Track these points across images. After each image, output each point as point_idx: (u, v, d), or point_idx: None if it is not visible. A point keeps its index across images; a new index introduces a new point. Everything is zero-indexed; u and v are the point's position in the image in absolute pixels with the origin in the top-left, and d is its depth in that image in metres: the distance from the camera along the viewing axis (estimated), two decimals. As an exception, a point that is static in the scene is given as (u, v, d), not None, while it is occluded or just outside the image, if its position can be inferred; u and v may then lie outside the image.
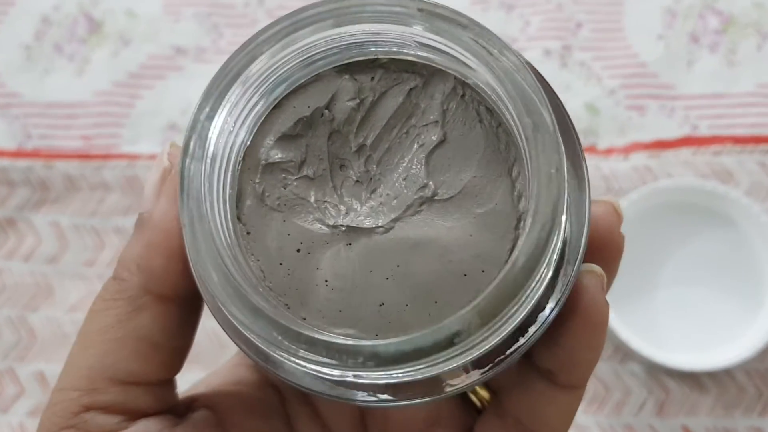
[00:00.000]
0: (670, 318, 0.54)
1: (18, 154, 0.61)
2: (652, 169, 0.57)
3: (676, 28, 0.62)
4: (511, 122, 0.25)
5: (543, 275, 0.23)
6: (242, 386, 0.31)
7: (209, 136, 0.25)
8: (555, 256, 0.24)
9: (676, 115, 0.59)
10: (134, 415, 0.27)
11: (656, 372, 0.54)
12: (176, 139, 0.62)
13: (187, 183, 0.24)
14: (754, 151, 0.57)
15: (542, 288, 0.24)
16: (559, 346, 0.26)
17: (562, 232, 0.24)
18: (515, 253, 0.23)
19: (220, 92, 0.25)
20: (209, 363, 0.52)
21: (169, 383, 0.29)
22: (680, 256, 0.55)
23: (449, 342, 0.22)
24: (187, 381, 0.32)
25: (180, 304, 0.27)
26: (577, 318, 0.26)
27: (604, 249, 0.27)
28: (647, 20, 0.62)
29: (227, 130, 0.25)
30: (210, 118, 0.25)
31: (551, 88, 0.26)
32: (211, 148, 0.25)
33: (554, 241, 0.23)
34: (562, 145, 0.24)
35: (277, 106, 0.27)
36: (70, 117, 0.63)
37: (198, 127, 0.25)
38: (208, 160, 0.24)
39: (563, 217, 0.24)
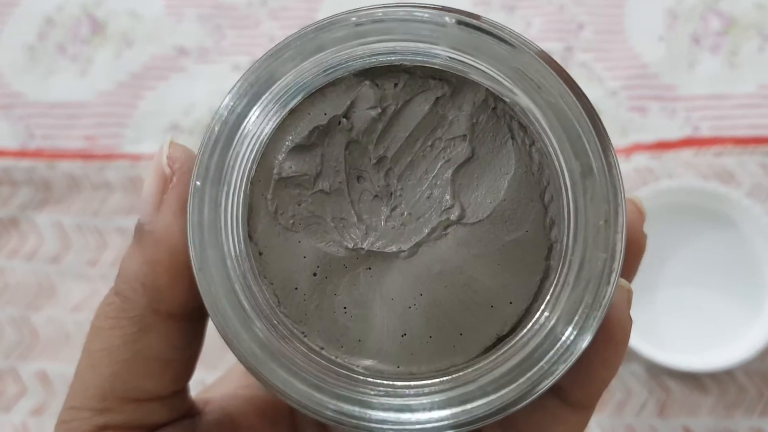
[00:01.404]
0: (672, 318, 0.54)
1: (21, 153, 0.62)
2: (654, 170, 0.57)
3: (677, 30, 0.62)
4: (552, 153, 0.24)
5: (581, 322, 0.22)
6: (253, 390, 0.31)
7: (228, 156, 0.23)
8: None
9: (677, 116, 0.60)
10: (151, 429, 0.27)
11: (657, 372, 0.54)
12: (178, 138, 0.62)
13: (200, 214, 0.23)
14: (756, 153, 0.57)
15: (578, 335, 0.22)
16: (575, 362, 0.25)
17: (610, 290, 0.22)
18: (556, 310, 0.22)
19: (240, 114, 0.23)
20: (213, 362, 0.52)
21: (182, 391, 0.28)
22: (681, 256, 0.55)
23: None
24: (193, 381, 0.32)
25: (187, 317, 0.26)
26: (598, 334, 0.24)
27: (626, 250, 0.26)
28: (649, 22, 0.62)
29: (244, 147, 0.24)
30: (229, 138, 0.23)
31: (598, 120, 0.23)
32: (229, 170, 0.23)
33: (598, 294, 0.22)
34: (611, 192, 0.22)
35: (292, 113, 0.25)
36: (73, 117, 0.63)
37: (215, 148, 0.23)
38: (225, 185, 0.23)
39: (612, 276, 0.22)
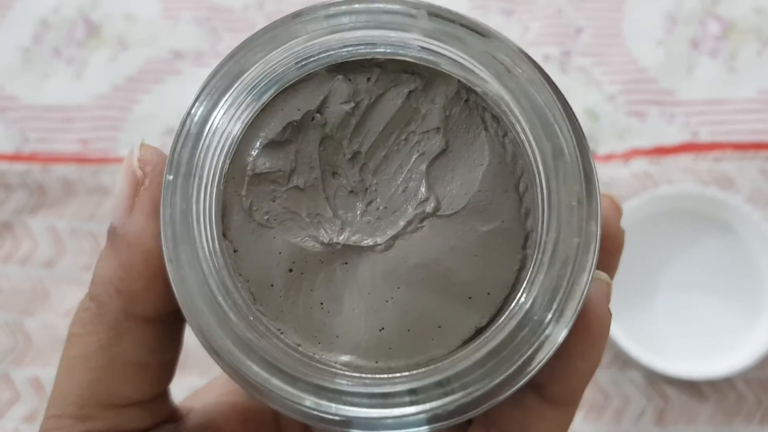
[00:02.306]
0: (670, 326, 0.54)
1: (15, 157, 0.61)
2: (652, 175, 0.57)
3: (676, 34, 0.62)
4: (525, 141, 0.24)
5: (559, 309, 0.22)
6: (237, 397, 0.31)
7: (198, 149, 0.23)
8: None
9: (676, 121, 0.59)
10: None
11: (656, 380, 0.53)
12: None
13: (173, 208, 0.22)
14: (755, 158, 0.57)
15: (555, 323, 0.22)
16: (552, 356, 0.25)
17: (586, 277, 0.22)
18: (532, 292, 0.22)
19: (211, 103, 0.23)
20: (203, 369, 0.51)
21: (163, 395, 0.28)
22: (680, 263, 0.55)
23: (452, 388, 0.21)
24: (183, 387, 0.31)
25: (164, 320, 0.26)
26: (576, 326, 0.24)
27: (604, 244, 0.26)
28: (647, 26, 0.62)
29: (216, 140, 0.24)
30: (199, 133, 0.23)
31: (569, 105, 0.24)
32: (200, 164, 0.23)
33: (574, 278, 0.22)
34: (583, 173, 0.22)
35: (264, 109, 0.24)
36: (68, 121, 0.63)
37: (187, 142, 0.23)
38: (196, 177, 0.23)
39: (587, 251, 0.22)
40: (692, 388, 0.53)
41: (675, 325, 0.54)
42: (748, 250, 0.54)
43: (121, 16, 0.66)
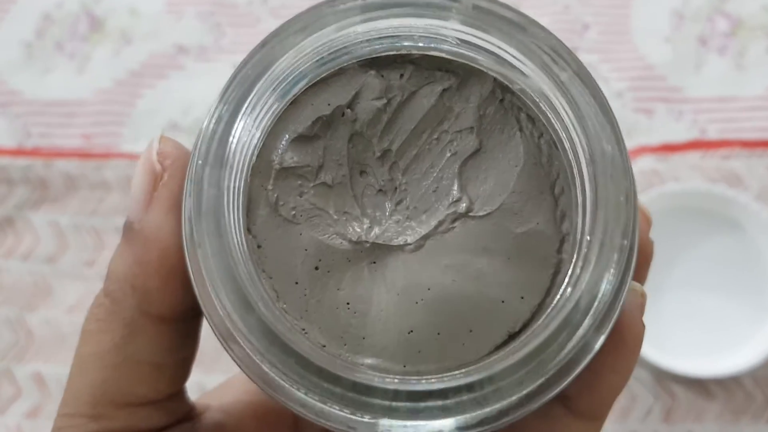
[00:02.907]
0: (678, 323, 0.53)
1: (18, 152, 0.61)
2: (660, 172, 0.57)
3: (684, 31, 0.61)
4: (564, 140, 0.23)
5: (599, 315, 0.21)
6: (255, 396, 0.30)
7: (230, 139, 0.22)
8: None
9: (684, 118, 0.59)
10: None
11: (663, 378, 0.53)
12: (177, 138, 0.61)
13: (204, 196, 0.21)
14: (764, 156, 0.57)
15: (595, 330, 0.21)
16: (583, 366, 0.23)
17: (630, 274, 0.21)
18: (576, 290, 0.21)
19: (243, 92, 0.22)
20: (211, 365, 0.51)
21: (179, 394, 0.27)
22: (688, 260, 0.54)
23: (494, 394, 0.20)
24: (190, 383, 0.31)
25: (180, 318, 0.25)
26: (609, 337, 0.22)
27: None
28: (655, 22, 0.62)
29: (246, 131, 0.23)
30: (231, 120, 0.22)
31: (607, 101, 0.23)
32: (231, 154, 0.22)
33: (618, 283, 0.21)
34: (630, 170, 0.22)
35: (294, 103, 0.24)
36: (71, 115, 0.62)
37: (218, 130, 0.22)
38: (227, 168, 0.22)
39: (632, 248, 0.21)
40: (700, 386, 0.53)
41: (682, 322, 0.53)
42: (756, 248, 0.54)
43: (124, 11, 0.65)
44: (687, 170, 0.56)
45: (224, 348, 0.22)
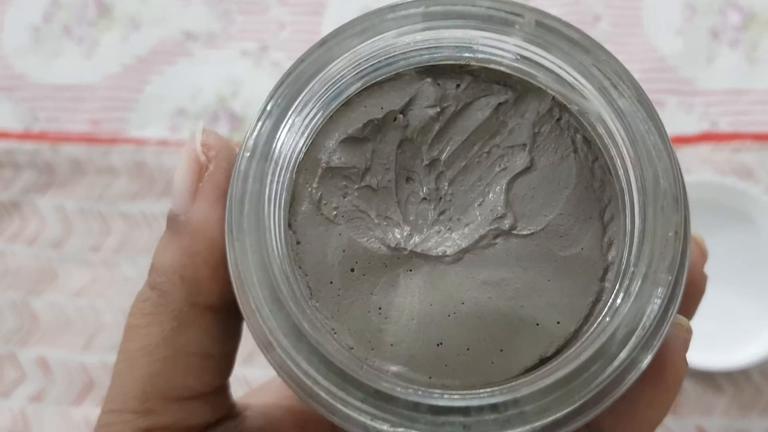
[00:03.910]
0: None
1: (24, 136, 0.61)
2: (670, 165, 0.56)
3: (695, 24, 0.61)
4: (618, 167, 0.23)
5: (637, 347, 0.21)
6: (293, 402, 0.30)
7: (278, 135, 0.22)
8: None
9: (695, 110, 0.58)
10: (195, 430, 0.26)
11: (670, 371, 0.53)
12: (184, 124, 0.61)
13: (247, 190, 0.21)
14: (775, 149, 0.56)
15: (631, 362, 0.21)
16: (619, 399, 0.22)
17: (674, 308, 0.21)
18: (614, 322, 0.20)
19: (296, 89, 0.22)
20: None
21: (224, 388, 0.27)
22: (697, 253, 0.54)
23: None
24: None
25: (227, 309, 0.25)
26: (649, 370, 0.22)
27: (686, 289, 0.24)
28: (666, 15, 0.61)
29: (296, 129, 0.23)
30: (281, 117, 0.22)
31: (666, 132, 0.22)
32: (277, 149, 0.22)
33: (659, 316, 0.21)
34: (682, 205, 0.21)
35: (347, 104, 0.24)
36: (78, 100, 0.62)
37: (267, 125, 0.22)
38: (272, 163, 0.22)
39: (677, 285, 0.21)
40: (708, 379, 0.52)
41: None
42: (766, 241, 0.54)
43: (133, -4, 0.65)
44: (698, 163, 0.56)
45: (254, 340, 0.22)
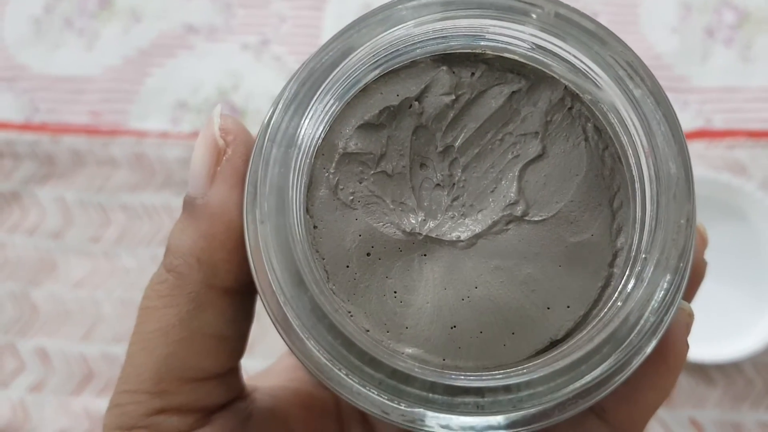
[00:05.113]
0: (680, 310, 0.54)
1: (25, 127, 0.61)
2: (665, 161, 0.57)
3: (690, 22, 0.62)
4: (630, 155, 0.23)
5: (646, 331, 0.21)
6: (301, 384, 0.30)
7: (302, 122, 0.22)
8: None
9: (689, 108, 0.59)
10: (208, 410, 0.26)
11: (664, 364, 0.53)
12: (185, 117, 0.61)
13: (271, 174, 0.22)
14: (769, 146, 0.57)
15: (639, 346, 0.21)
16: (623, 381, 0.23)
17: (681, 293, 0.22)
18: (626, 306, 0.21)
19: (318, 77, 0.23)
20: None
21: (236, 369, 0.28)
22: (691, 248, 0.55)
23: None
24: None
25: (241, 291, 0.25)
26: (654, 354, 0.22)
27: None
28: (662, 13, 0.62)
29: (317, 115, 0.23)
30: (304, 103, 0.22)
31: (679, 123, 0.23)
32: (302, 135, 0.22)
33: (669, 301, 0.21)
34: (693, 194, 0.22)
35: (364, 91, 0.24)
36: (79, 92, 0.62)
37: (291, 111, 0.22)
38: (296, 148, 0.22)
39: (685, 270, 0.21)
40: (700, 371, 0.53)
41: (685, 309, 0.54)
42: (759, 236, 0.54)
43: (134, -11, 0.65)
44: (692, 159, 0.57)
45: (271, 321, 0.23)
